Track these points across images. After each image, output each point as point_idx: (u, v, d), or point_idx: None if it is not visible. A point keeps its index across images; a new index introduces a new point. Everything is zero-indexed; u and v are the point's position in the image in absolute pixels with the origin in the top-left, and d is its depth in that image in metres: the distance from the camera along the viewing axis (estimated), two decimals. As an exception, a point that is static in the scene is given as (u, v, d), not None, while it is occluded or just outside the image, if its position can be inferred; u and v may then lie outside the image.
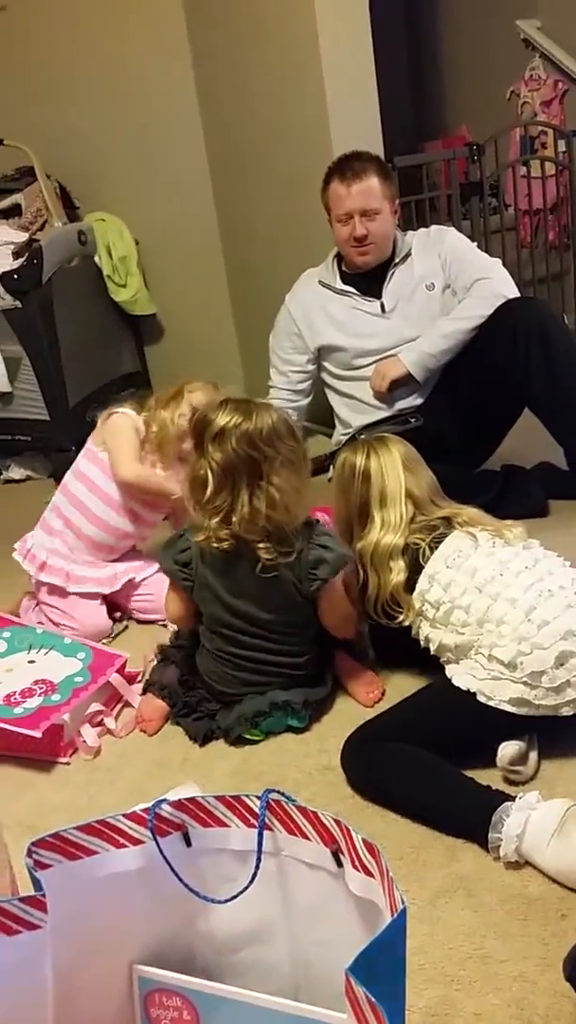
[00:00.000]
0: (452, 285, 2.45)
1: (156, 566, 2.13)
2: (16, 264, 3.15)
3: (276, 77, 3.02)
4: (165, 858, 0.92)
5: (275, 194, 3.19)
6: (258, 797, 0.92)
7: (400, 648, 1.69)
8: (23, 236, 3.28)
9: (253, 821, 0.93)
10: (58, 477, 2.58)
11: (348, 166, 2.38)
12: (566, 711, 1.41)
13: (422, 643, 1.61)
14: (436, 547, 1.58)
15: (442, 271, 2.46)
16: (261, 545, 1.59)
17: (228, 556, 1.61)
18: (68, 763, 1.70)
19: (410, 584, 1.59)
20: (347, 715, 1.69)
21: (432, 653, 1.59)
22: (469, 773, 1.40)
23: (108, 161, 3.60)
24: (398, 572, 1.59)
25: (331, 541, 1.64)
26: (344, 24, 2.79)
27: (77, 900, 0.89)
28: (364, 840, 0.84)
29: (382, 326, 2.47)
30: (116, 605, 2.20)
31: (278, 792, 0.92)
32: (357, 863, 0.86)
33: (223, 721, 1.68)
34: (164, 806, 0.94)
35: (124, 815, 0.92)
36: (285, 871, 0.94)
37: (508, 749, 1.45)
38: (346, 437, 2.52)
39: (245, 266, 3.55)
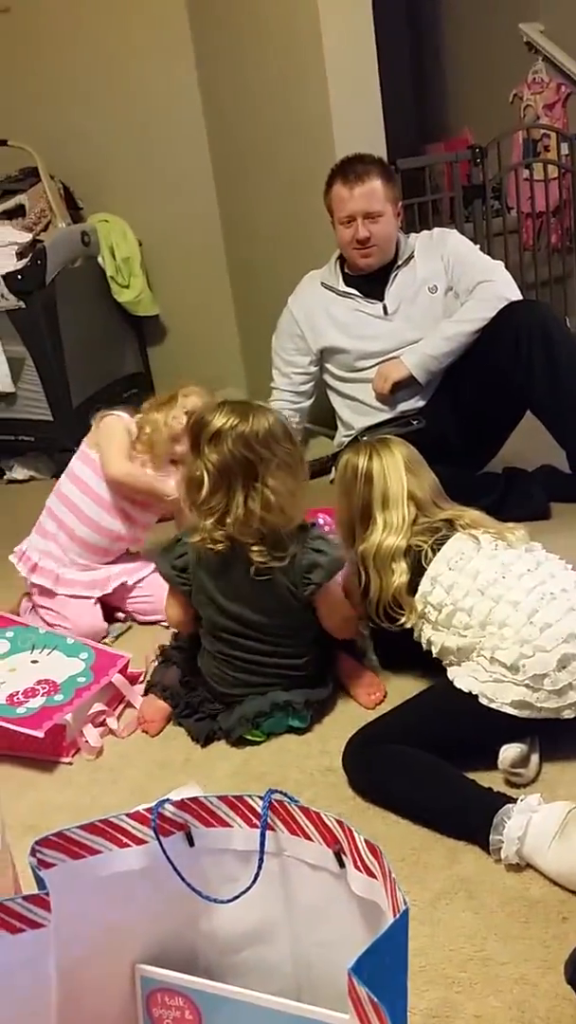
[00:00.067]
0: (454, 287, 2.45)
1: (150, 568, 2.14)
2: (20, 265, 3.16)
3: (279, 78, 3.02)
4: (168, 858, 0.93)
5: (278, 195, 3.19)
6: (261, 797, 0.92)
7: (402, 650, 1.69)
8: (27, 237, 3.28)
9: (256, 821, 0.93)
10: (61, 478, 2.59)
11: (351, 168, 2.38)
12: (568, 714, 1.41)
13: (424, 646, 1.61)
14: (438, 549, 1.58)
15: (445, 273, 2.47)
16: (254, 548, 1.59)
17: (223, 560, 1.62)
18: (70, 763, 1.71)
19: (412, 586, 1.58)
20: (348, 717, 1.69)
21: (434, 656, 1.59)
22: (470, 775, 1.41)
23: (111, 162, 3.61)
24: (400, 574, 1.59)
25: (326, 545, 1.64)
26: (347, 25, 2.79)
27: (80, 899, 0.89)
28: (366, 841, 0.85)
29: (384, 328, 2.47)
30: (115, 607, 2.20)
31: (281, 792, 0.92)
32: (359, 864, 0.86)
33: (224, 722, 1.68)
34: (167, 806, 0.94)
35: (127, 814, 0.92)
36: (287, 871, 0.94)
37: (509, 752, 1.45)
38: (348, 439, 2.52)
39: (248, 267, 3.55)
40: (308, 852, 0.92)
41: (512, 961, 1.15)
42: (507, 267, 2.51)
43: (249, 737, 1.66)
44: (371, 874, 0.85)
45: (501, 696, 1.43)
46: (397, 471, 1.66)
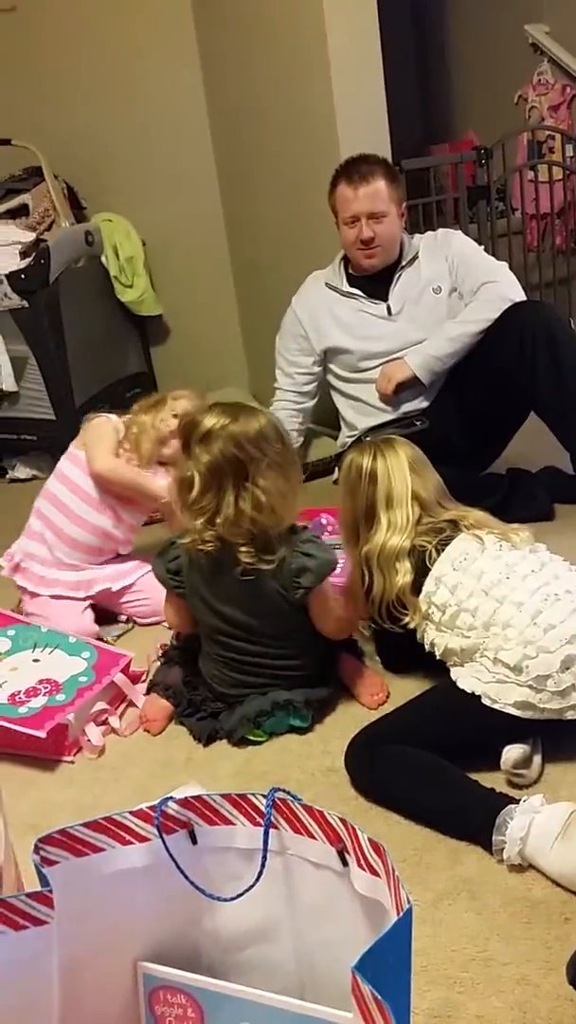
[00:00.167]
0: (459, 288, 2.45)
1: (141, 572, 2.14)
2: (23, 264, 3.16)
3: (284, 78, 3.02)
4: (171, 855, 0.93)
5: (282, 195, 3.19)
6: (264, 795, 0.92)
7: (404, 650, 1.69)
8: (30, 236, 3.28)
9: (259, 819, 0.93)
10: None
11: (355, 169, 2.38)
12: (571, 715, 1.41)
13: (427, 647, 1.60)
14: (443, 549, 1.57)
15: (449, 274, 2.46)
16: (243, 548, 1.59)
17: (214, 562, 1.62)
18: (72, 762, 1.71)
19: (416, 586, 1.58)
20: (351, 717, 1.69)
21: (438, 657, 1.58)
22: (473, 776, 1.41)
23: (115, 161, 3.61)
24: (404, 574, 1.59)
25: (315, 548, 1.63)
26: (352, 25, 2.79)
27: (83, 897, 0.89)
28: (370, 839, 0.85)
29: (388, 329, 2.47)
30: (112, 612, 2.20)
31: (284, 791, 0.92)
32: (363, 862, 0.86)
33: (226, 722, 1.68)
34: (170, 803, 0.94)
35: (131, 812, 0.92)
36: (291, 870, 0.94)
37: (512, 752, 1.45)
38: (352, 439, 2.52)
39: (251, 267, 3.55)
40: (311, 850, 0.92)
41: (514, 962, 1.15)
42: (511, 268, 2.51)
43: (251, 737, 1.66)
44: (375, 872, 0.85)
45: (504, 697, 1.43)
46: (401, 471, 1.66)
